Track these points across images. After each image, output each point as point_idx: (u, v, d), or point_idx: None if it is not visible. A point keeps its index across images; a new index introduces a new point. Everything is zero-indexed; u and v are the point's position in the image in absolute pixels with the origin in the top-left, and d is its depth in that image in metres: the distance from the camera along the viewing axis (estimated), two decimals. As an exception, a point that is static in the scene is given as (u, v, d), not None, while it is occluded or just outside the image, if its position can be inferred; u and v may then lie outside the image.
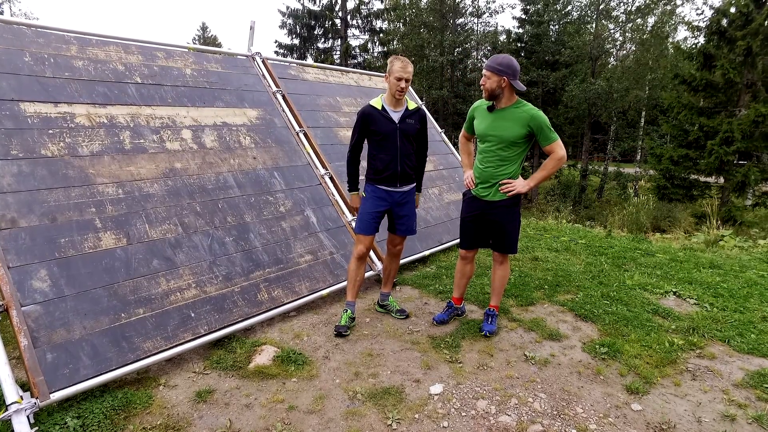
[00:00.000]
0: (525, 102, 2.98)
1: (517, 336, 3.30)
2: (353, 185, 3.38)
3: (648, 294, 4.09)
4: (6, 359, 2.28)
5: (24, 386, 2.33)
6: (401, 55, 3.20)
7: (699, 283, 4.41)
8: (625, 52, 26.65)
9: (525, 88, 2.95)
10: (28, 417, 2.16)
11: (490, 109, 3.03)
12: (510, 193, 3.05)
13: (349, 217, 4.27)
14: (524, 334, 3.34)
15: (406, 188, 3.32)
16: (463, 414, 2.44)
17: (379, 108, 3.18)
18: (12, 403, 2.14)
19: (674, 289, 4.18)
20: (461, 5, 27.92)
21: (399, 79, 3.07)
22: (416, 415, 2.42)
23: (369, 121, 3.16)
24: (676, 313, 3.69)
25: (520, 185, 3.04)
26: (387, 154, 3.19)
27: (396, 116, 3.18)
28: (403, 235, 3.46)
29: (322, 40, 26.24)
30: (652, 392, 2.66)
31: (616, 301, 3.86)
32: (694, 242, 7.37)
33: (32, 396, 2.23)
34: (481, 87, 2.96)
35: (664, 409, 2.51)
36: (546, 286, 4.18)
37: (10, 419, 2.12)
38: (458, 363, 2.93)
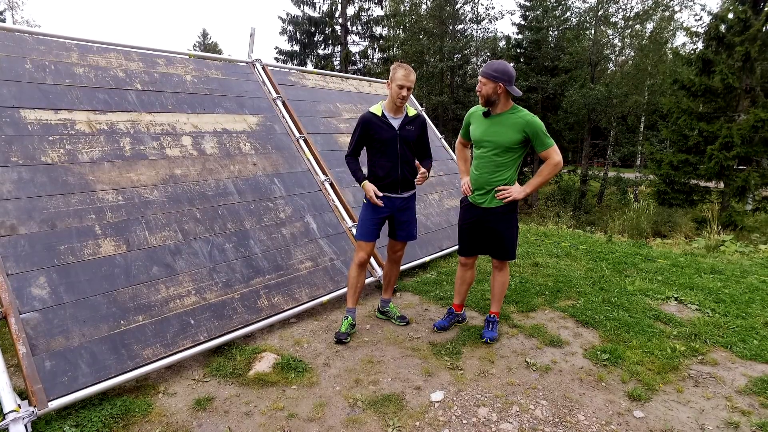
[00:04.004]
0: (521, 108, 2.98)
1: (518, 342, 3.29)
2: (361, 176, 3.24)
3: (649, 300, 4.08)
4: (4, 367, 2.27)
5: (22, 394, 2.31)
6: (404, 63, 3.21)
7: (700, 288, 4.39)
8: (624, 57, 26.74)
9: (521, 93, 2.96)
10: (25, 426, 2.15)
11: (486, 114, 3.03)
12: (506, 200, 3.04)
13: (350, 223, 4.27)
14: (525, 340, 3.32)
15: (407, 194, 3.32)
16: (464, 421, 2.42)
17: (379, 115, 3.18)
18: (9, 412, 2.13)
19: (675, 295, 4.16)
20: (461, 12, 28.08)
21: (401, 88, 3.07)
22: (417, 423, 2.40)
23: (369, 128, 3.16)
24: (677, 319, 3.67)
25: (516, 192, 3.03)
26: (388, 160, 3.19)
27: (396, 123, 3.19)
28: (404, 241, 3.45)
29: (322, 46, 26.31)
30: (655, 399, 2.64)
31: (617, 307, 3.85)
32: (694, 247, 7.36)
33: (30, 404, 2.22)
34: (477, 93, 2.97)
35: (667, 416, 2.50)
36: (547, 292, 4.17)
37: (7, 428, 2.10)
38: (459, 370, 2.91)
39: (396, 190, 3.25)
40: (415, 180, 3.27)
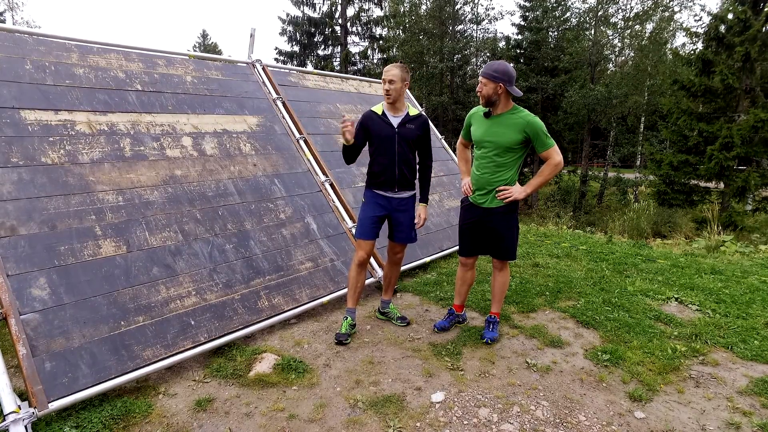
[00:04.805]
0: (521, 108, 2.99)
1: (519, 343, 3.28)
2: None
3: (650, 300, 4.07)
4: (4, 368, 2.27)
5: (22, 395, 2.31)
6: (397, 63, 3.26)
7: (701, 289, 4.39)
8: (624, 58, 26.74)
9: (521, 93, 2.96)
10: (26, 427, 2.14)
11: (487, 115, 3.03)
12: (507, 200, 3.04)
13: (350, 223, 4.27)
14: (526, 341, 3.32)
15: (404, 195, 3.31)
16: (465, 422, 2.42)
17: (379, 113, 3.20)
18: (10, 413, 2.12)
19: (676, 295, 4.16)
20: (460, 12, 28.08)
21: (383, 81, 3.17)
22: (417, 424, 2.39)
23: (368, 124, 3.20)
24: (678, 320, 3.67)
25: (516, 192, 3.04)
26: (385, 158, 3.19)
27: (395, 121, 3.20)
28: (403, 243, 3.44)
29: (322, 47, 26.31)
30: (656, 400, 2.64)
31: (617, 308, 3.85)
32: (695, 248, 7.36)
33: (30, 405, 2.21)
34: (478, 94, 2.98)
35: (668, 417, 2.49)
36: (547, 293, 4.17)
37: (7, 429, 2.10)
38: (460, 370, 2.91)
39: (393, 189, 3.25)
40: (414, 223, 3.38)
